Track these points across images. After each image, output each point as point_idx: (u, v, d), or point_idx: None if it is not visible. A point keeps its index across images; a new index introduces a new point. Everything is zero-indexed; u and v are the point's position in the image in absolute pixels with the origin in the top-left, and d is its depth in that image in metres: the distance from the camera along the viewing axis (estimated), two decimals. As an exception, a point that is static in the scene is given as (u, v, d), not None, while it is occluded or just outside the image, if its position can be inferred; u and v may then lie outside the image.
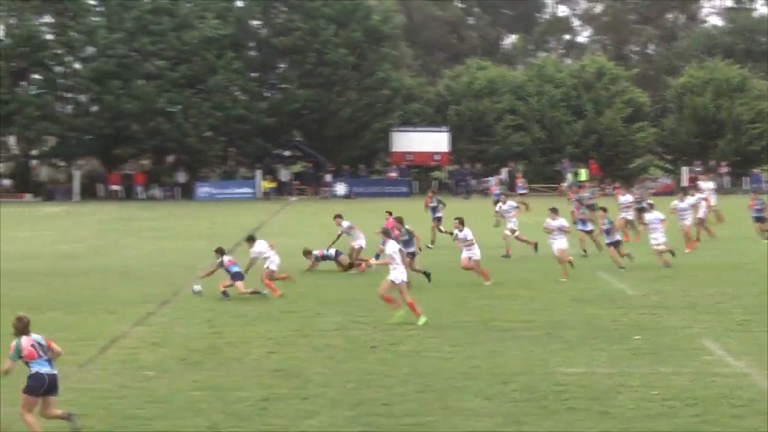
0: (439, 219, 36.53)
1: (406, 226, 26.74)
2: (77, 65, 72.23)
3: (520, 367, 17.00)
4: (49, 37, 71.37)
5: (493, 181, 51.69)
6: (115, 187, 70.84)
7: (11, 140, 76.35)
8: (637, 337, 19.44)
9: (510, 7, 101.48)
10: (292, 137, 77.95)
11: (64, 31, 71.00)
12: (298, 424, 13.85)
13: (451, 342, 19.19)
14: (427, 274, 26.43)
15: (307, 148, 74.65)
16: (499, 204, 35.80)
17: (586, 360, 17.59)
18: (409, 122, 74.59)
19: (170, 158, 77.84)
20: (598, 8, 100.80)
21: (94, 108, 72.51)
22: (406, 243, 26.08)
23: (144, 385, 16.00)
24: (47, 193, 70.41)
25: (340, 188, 69.09)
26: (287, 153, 76.60)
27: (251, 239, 26.77)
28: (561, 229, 27.77)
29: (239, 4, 75.20)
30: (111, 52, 69.23)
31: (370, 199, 61.96)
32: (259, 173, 71.60)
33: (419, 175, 75.13)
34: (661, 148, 79.26)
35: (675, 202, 34.77)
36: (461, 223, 27.08)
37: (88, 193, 70.27)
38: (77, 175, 72.52)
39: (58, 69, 72.62)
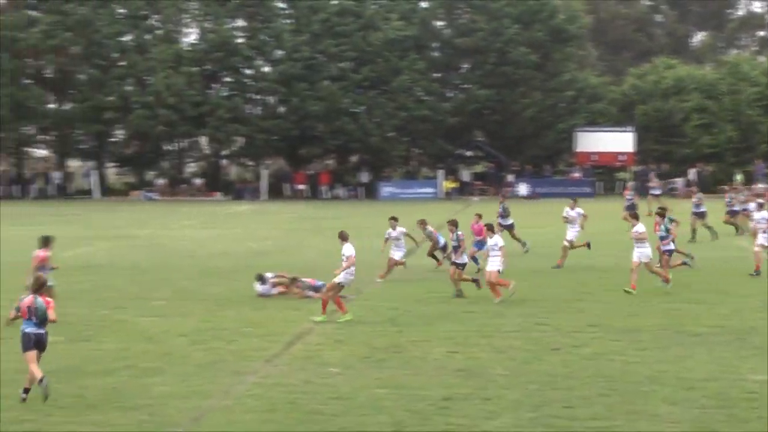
0: (511, 226, 34.34)
1: (458, 232, 25.48)
2: (266, 68, 74.08)
3: (710, 373, 16.53)
4: (239, 40, 73.44)
5: (629, 184, 49.40)
6: (300, 187, 72.34)
7: (203, 141, 79.06)
8: (835, 345, 18.65)
9: (699, 3, 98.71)
10: (474, 137, 77.93)
11: (254, 35, 72.94)
12: (481, 425, 13.79)
13: (637, 345, 18.81)
14: (476, 281, 25.20)
15: (489, 148, 74.53)
16: (566, 209, 32.49)
17: (779, 368, 16.96)
18: (594, 122, 73.54)
19: (354, 158, 79.03)
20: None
21: (281, 109, 74.29)
22: (455, 249, 25.62)
23: (328, 381, 16.22)
24: (236, 191, 72.49)
25: (523, 188, 68.68)
26: (469, 153, 76.62)
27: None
28: (638, 237, 25.57)
29: (424, 5, 75.55)
30: (297, 55, 70.75)
31: (553, 199, 61.30)
32: (441, 173, 71.84)
33: (603, 175, 74.00)
34: None
35: None
36: (490, 230, 25.45)
37: (275, 192, 72.02)
38: (264, 174, 74.43)
39: (248, 72, 74.76)
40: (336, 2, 73.25)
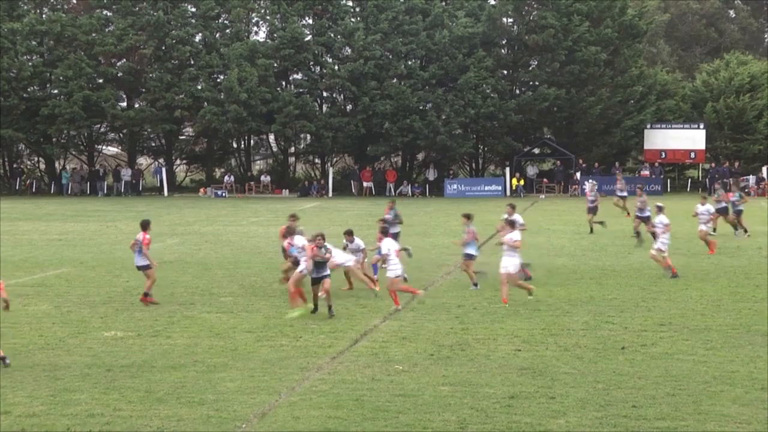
0: (395, 235, 28.45)
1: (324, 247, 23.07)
2: (335, 66, 74.34)
3: (781, 374, 16.28)
4: (308, 38, 73.76)
5: (588, 186, 46.11)
6: (367, 184, 72.58)
7: (271, 138, 79.59)
8: None
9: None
10: (541, 135, 77.48)
11: (323, 33, 73.27)
12: (545, 423, 13.73)
13: (706, 345, 18.59)
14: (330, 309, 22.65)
15: (556, 146, 74.07)
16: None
17: None
18: (664, 119, 72.75)
19: (420, 156, 79.06)
20: None
21: (349, 107, 74.56)
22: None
23: (393, 378, 16.23)
24: (303, 189, 72.88)
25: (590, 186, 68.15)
26: (537, 150, 76.26)
27: None
28: (510, 243, 23.40)
29: (492, 2, 75.22)
30: (367, 54, 70.91)
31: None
32: (508, 171, 71.60)
33: (672, 173, 73.22)
34: None
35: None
36: (349, 234, 25.29)
37: (341, 189, 72.36)
38: (331, 171, 74.80)
39: (317, 70, 75.09)
40: (403, 0, 73.28)
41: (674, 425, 13.63)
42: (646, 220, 35.05)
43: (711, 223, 34.69)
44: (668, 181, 70.81)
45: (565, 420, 13.88)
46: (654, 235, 28.97)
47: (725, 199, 39.02)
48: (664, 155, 71.24)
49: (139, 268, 23.98)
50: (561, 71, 71.10)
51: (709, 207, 34.12)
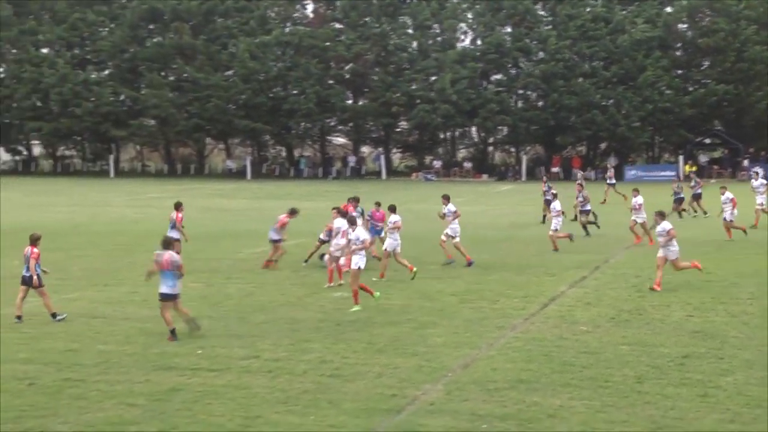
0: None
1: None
2: (530, 68, 73.77)
3: None
4: (508, 44, 73.49)
5: (579, 175, 40.62)
6: (555, 170, 71.62)
7: (473, 130, 79.64)
8: None
9: None
10: (712, 126, 74.69)
11: (520, 39, 72.82)
12: (715, 381, 13.20)
13: None
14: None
15: (725, 136, 71.23)
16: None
17: None
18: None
19: (603, 145, 77.49)
20: None
21: (541, 103, 73.81)
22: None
23: (578, 338, 15.95)
24: (500, 173, 72.64)
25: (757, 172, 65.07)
26: (707, 140, 73.65)
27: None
28: (392, 227, 22.39)
29: (668, 9, 73.02)
30: (558, 56, 70.24)
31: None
32: (681, 158, 69.30)
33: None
34: None
35: None
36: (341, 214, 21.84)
37: (532, 174, 71.60)
38: (524, 159, 74.18)
39: (514, 71, 74.73)
40: (589, 10, 72.19)
41: (836, 388, 12.86)
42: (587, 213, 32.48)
43: (643, 213, 30.43)
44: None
45: (733, 378, 13.32)
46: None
47: None
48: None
49: (272, 241, 24.46)
50: (731, 69, 68.21)
51: (639, 199, 29.37)
